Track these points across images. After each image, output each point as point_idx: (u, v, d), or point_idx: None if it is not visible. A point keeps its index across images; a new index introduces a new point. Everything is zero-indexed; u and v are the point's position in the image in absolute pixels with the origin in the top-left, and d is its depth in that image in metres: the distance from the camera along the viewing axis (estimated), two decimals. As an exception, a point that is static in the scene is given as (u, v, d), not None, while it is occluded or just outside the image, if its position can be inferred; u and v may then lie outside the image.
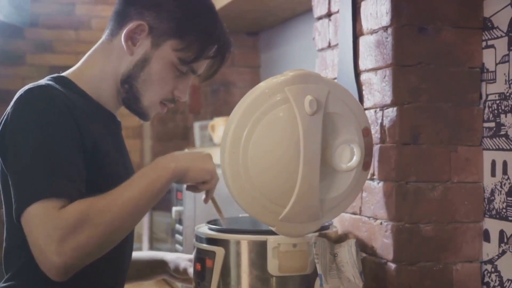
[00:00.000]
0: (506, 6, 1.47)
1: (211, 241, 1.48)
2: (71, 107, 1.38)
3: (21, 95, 1.38)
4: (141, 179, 1.37)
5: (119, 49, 1.48)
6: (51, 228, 1.27)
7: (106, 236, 1.31)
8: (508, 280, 1.45)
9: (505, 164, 1.47)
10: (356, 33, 1.65)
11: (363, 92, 1.62)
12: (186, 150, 1.47)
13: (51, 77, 1.47)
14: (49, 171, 1.31)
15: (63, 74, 1.50)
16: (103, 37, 1.52)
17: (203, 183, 1.47)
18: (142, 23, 1.45)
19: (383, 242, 1.53)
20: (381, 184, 1.54)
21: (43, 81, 1.43)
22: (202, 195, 1.52)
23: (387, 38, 1.51)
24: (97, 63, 1.51)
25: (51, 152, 1.32)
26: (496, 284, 1.48)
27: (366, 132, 1.39)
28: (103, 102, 1.51)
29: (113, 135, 1.54)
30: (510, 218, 1.45)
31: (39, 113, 1.35)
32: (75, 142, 1.36)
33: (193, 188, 1.51)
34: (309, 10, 2.02)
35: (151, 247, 2.82)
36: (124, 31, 1.46)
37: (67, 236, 1.26)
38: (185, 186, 1.51)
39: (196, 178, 1.43)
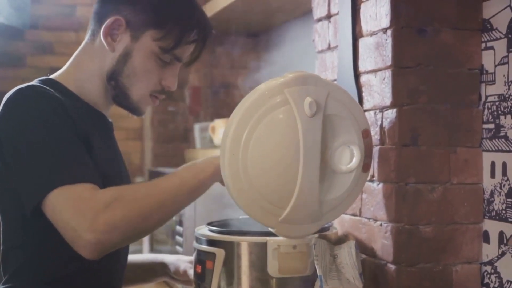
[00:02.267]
0: (505, 8, 1.47)
1: (211, 242, 1.48)
2: (63, 104, 1.38)
3: (10, 96, 1.38)
4: (185, 171, 1.41)
5: (101, 48, 1.49)
6: (84, 207, 1.27)
7: (140, 217, 1.32)
8: (507, 281, 1.45)
9: (504, 165, 1.47)
10: (356, 35, 1.66)
11: (363, 94, 1.63)
12: None
13: (39, 80, 1.48)
14: (65, 157, 1.32)
15: (51, 76, 1.51)
16: (86, 38, 1.53)
17: None
18: (118, 18, 1.46)
19: (383, 244, 1.53)
20: (380, 185, 1.54)
21: (32, 82, 1.44)
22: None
23: (386, 40, 1.52)
24: (82, 64, 1.52)
25: (60, 141, 1.33)
26: (496, 285, 1.48)
27: (366, 134, 1.40)
28: (92, 102, 1.52)
29: (104, 134, 1.54)
30: (509, 219, 1.45)
31: (34, 108, 1.36)
32: (75, 134, 1.36)
33: None
34: (308, 12, 2.03)
35: (152, 249, 2.82)
36: (102, 28, 1.47)
37: (99, 213, 1.27)
38: None
39: None
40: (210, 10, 2.91)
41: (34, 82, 1.45)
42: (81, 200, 1.28)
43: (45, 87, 1.41)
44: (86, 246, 1.27)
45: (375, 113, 1.57)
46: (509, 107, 1.45)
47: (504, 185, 1.47)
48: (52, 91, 1.41)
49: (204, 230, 1.55)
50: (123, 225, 1.29)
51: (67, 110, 1.38)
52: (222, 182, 1.41)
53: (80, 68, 1.52)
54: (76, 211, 1.27)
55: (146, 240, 2.92)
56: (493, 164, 1.50)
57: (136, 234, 1.35)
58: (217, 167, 1.39)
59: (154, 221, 1.36)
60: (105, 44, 1.48)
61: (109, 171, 1.49)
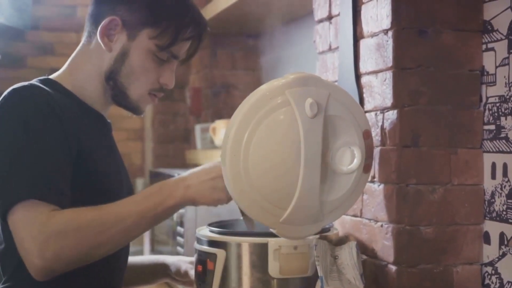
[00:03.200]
0: (506, 9, 1.48)
1: (212, 243, 1.49)
2: (55, 106, 1.39)
3: (4, 96, 1.39)
4: (144, 199, 1.37)
5: (99, 48, 1.50)
6: (36, 231, 1.28)
7: (91, 248, 1.32)
8: (508, 282, 1.45)
9: (505, 166, 1.47)
10: (357, 36, 1.66)
11: (364, 95, 1.63)
12: (201, 167, 1.44)
13: (38, 79, 1.49)
14: (34, 173, 1.32)
15: (50, 76, 1.52)
16: (82, 40, 1.54)
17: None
18: (114, 18, 1.47)
19: (384, 244, 1.53)
20: (381, 186, 1.55)
21: (30, 82, 1.45)
22: None
23: (387, 41, 1.52)
24: (80, 65, 1.52)
25: (35, 154, 1.33)
26: (497, 286, 1.48)
27: (367, 135, 1.40)
28: (90, 103, 1.52)
29: (102, 135, 1.55)
30: (510, 221, 1.45)
31: (22, 114, 1.36)
32: (59, 143, 1.36)
33: None
34: (310, 13, 2.03)
35: (152, 249, 2.82)
36: (99, 29, 1.47)
37: (50, 240, 1.28)
38: None
39: (205, 204, 1.41)
40: (211, 11, 2.91)
41: (33, 81, 1.45)
42: (36, 223, 1.28)
43: (43, 86, 1.42)
44: (33, 269, 1.30)
45: (376, 114, 1.57)
46: (510, 108, 1.46)
47: (504, 186, 1.47)
48: (49, 90, 1.41)
49: (205, 231, 1.55)
50: (71, 255, 1.30)
51: (58, 113, 1.38)
52: (191, 204, 1.39)
53: (78, 69, 1.52)
54: (29, 233, 1.28)
55: (147, 241, 2.92)
56: (493, 165, 1.50)
57: (84, 262, 1.35)
58: (180, 198, 1.37)
59: (105, 251, 1.36)
60: (102, 44, 1.49)
61: (107, 172, 1.49)
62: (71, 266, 1.33)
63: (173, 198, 1.37)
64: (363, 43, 1.63)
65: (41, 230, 1.28)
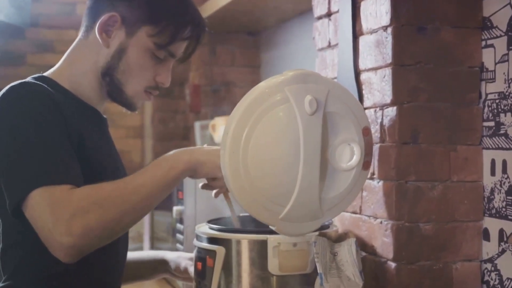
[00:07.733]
0: (505, 6, 1.48)
1: (211, 240, 1.49)
2: (55, 101, 1.39)
3: (3, 93, 1.39)
4: (154, 168, 1.39)
5: (96, 44, 1.49)
6: (60, 209, 1.27)
7: (115, 219, 1.32)
8: (507, 278, 1.45)
9: (504, 163, 1.47)
10: (356, 33, 1.66)
11: (363, 92, 1.63)
12: (205, 145, 1.49)
13: (32, 77, 1.48)
14: (48, 158, 1.32)
15: (44, 74, 1.52)
16: (79, 35, 1.54)
17: (214, 180, 1.48)
18: (113, 14, 1.47)
19: (383, 241, 1.53)
20: (381, 183, 1.55)
21: (25, 79, 1.45)
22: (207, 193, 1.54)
23: (386, 37, 1.52)
24: (76, 60, 1.52)
25: (45, 142, 1.33)
26: (496, 282, 1.49)
27: (366, 132, 1.40)
28: (85, 99, 1.52)
29: (99, 130, 1.55)
30: (509, 217, 1.45)
31: (25, 106, 1.36)
32: (64, 133, 1.37)
33: (207, 186, 1.52)
34: (309, 10, 2.03)
35: (152, 246, 2.82)
36: (97, 24, 1.47)
37: (75, 217, 1.27)
38: (200, 184, 1.54)
39: (208, 173, 1.44)
40: (210, 8, 2.91)
41: (28, 79, 1.46)
42: (58, 203, 1.28)
43: (39, 83, 1.42)
44: (61, 249, 1.28)
45: (375, 111, 1.57)
46: (509, 105, 1.46)
47: (504, 182, 1.47)
48: (46, 86, 1.41)
49: (204, 228, 1.55)
50: (98, 229, 1.30)
51: (59, 107, 1.38)
52: (191, 176, 1.43)
53: (74, 65, 1.52)
54: (53, 214, 1.27)
55: (146, 238, 2.92)
56: (493, 162, 1.50)
57: (110, 236, 1.36)
58: (187, 162, 1.40)
59: (128, 222, 1.37)
60: (100, 40, 1.48)
61: (105, 166, 1.49)
62: (98, 242, 1.33)
63: (180, 162, 1.40)
64: (362, 40, 1.63)
65: (65, 209, 1.27)
